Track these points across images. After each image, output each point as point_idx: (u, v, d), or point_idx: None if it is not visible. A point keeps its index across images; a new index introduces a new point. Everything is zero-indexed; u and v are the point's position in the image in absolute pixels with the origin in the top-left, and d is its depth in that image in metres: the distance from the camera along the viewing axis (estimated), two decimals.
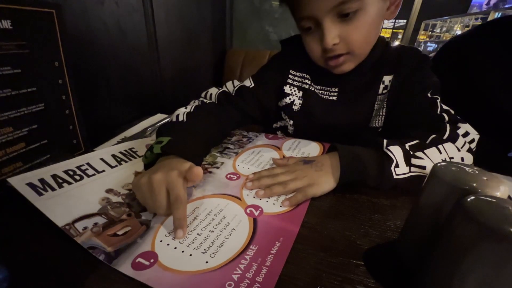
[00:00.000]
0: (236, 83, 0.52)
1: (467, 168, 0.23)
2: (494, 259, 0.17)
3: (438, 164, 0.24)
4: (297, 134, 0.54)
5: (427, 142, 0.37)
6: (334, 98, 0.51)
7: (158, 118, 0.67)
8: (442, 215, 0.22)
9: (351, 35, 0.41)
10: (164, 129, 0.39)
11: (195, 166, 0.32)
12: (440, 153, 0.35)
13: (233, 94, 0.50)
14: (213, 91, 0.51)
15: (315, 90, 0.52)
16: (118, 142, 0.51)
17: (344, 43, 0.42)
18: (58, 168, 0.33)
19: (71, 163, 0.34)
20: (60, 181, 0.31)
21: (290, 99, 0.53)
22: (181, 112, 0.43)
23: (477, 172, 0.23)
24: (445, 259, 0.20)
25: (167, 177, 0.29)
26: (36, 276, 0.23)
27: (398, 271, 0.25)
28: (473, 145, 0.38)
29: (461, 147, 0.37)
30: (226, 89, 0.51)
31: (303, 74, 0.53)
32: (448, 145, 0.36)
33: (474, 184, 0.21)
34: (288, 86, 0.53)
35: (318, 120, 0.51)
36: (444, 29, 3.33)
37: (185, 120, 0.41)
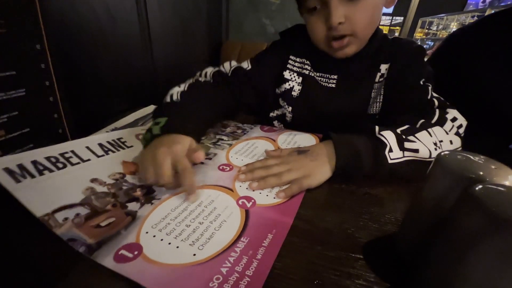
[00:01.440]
0: (234, 63, 0.52)
1: (472, 157, 0.22)
2: (505, 252, 0.16)
3: (443, 153, 0.23)
4: (295, 122, 0.54)
5: (417, 126, 0.37)
6: (333, 85, 0.51)
7: (151, 109, 0.64)
8: (446, 206, 0.21)
9: (356, 15, 0.42)
10: (160, 111, 0.39)
11: (196, 146, 0.34)
12: (431, 136, 0.36)
13: (229, 75, 0.50)
14: (209, 70, 0.50)
15: (315, 76, 0.52)
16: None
17: (349, 24, 0.42)
18: (39, 154, 0.31)
19: (54, 150, 0.32)
20: (41, 168, 0.29)
21: (289, 84, 0.53)
22: (175, 92, 0.43)
23: (483, 160, 0.22)
24: (449, 251, 0.19)
25: (172, 150, 0.31)
26: (13, 268, 0.22)
27: (398, 265, 0.24)
28: (461, 130, 0.39)
29: (449, 131, 0.38)
30: (222, 69, 0.51)
31: (303, 60, 0.52)
32: (437, 129, 0.37)
33: (481, 173, 0.20)
34: (287, 71, 0.53)
35: (317, 107, 0.51)
36: (440, 26, 3.34)
37: (179, 99, 0.41)
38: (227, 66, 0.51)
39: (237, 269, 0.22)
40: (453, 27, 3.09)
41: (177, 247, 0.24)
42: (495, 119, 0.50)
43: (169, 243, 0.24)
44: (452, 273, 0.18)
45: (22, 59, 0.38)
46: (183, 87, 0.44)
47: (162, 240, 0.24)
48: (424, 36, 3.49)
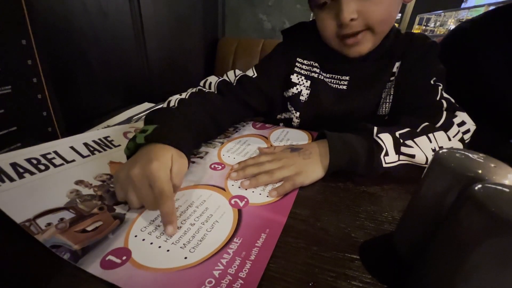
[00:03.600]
0: (238, 72, 0.49)
1: (471, 155, 0.22)
2: (505, 253, 0.15)
3: (441, 151, 0.23)
4: (303, 127, 0.52)
5: (418, 130, 0.36)
6: (344, 87, 0.49)
7: (145, 107, 0.63)
8: (445, 205, 0.21)
9: (370, 10, 0.39)
10: (152, 116, 0.36)
11: (179, 163, 0.30)
12: (430, 142, 0.35)
13: (234, 84, 0.47)
14: (213, 79, 0.47)
15: (324, 78, 0.50)
16: None
17: (362, 19, 0.39)
18: (19, 155, 0.29)
19: (35, 151, 0.30)
20: (21, 170, 0.28)
21: (297, 89, 0.50)
22: (174, 99, 0.40)
23: (483, 158, 0.21)
24: (448, 252, 0.18)
25: (146, 171, 0.26)
26: None
27: (396, 266, 0.24)
28: (467, 136, 0.38)
29: (453, 137, 0.36)
30: (226, 78, 0.48)
31: (311, 62, 0.50)
32: (439, 134, 0.36)
33: (480, 171, 0.20)
34: (295, 75, 0.50)
35: (327, 110, 0.49)
36: (438, 23, 3.34)
37: (176, 106, 0.38)
38: (232, 76, 0.48)
39: (230, 271, 0.21)
40: (451, 23, 3.09)
41: (168, 250, 0.23)
42: (498, 113, 0.50)
43: (159, 247, 0.23)
44: (451, 273, 0.18)
45: (7, 55, 0.36)
46: (184, 95, 0.42)
47: (151, 243, 0.23)
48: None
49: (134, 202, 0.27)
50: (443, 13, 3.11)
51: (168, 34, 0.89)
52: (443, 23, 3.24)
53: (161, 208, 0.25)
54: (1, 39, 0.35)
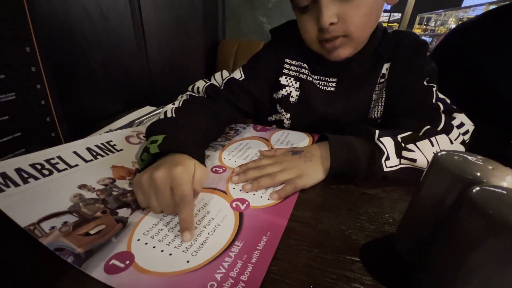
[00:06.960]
0: (225, 74, 0.49)
1: (470, 157, 0.22)
2: (503, 255, 0.15)
3: (440, 153, 0.23)
4: (294, 128, 0.52)
5: (420, 134, 0.36)
6: (333, 88, 0.49)
7: (146, 110, 0.64)
8: (444, 207, 0.21)
9: (350, 15, 0.38)
10: (154, 128, 0.36)
11: (200, 171, 0.30)
12: (432, 145, 0.34)
13: (222, 88, 0.47)
14: (200, 84, 0.47)
15: (313, 80, 0.49)
16: None
17: (342, 24, 0.39)
18: (23, 161, 0.29)
19: (39, 156, 0.31)
20: (26, 176, 0.28)
21: (286, 90, 0.50)
22: (169, 108, 0.40)
23: (481, 161, 0.21)
24: (448, 254, 0.18)
25: (171, 173, 0.27)
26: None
27: (397, 267, 0.24)
28: (466, 137, 0.38)
29: (455, 139, 0.36)
30: (214, 82, 0.48)
31: (300, 63, 0.50)
32: (441, 137, 0.35)
33: (478, 174, 0.20)
34: (284, 76, 0.50)
35: (316, 112, 0.49)
36: (438, 22, 3.33)
37: (174, 115, 0.38)
38: (219, 78, 0.48)
39: (231, 274, 0.21)
40: (451, 23, 3.08)
41: (170, 254, 0.23)
42: (498, 113, 0.49)
43: (162, 251, 0.23)
44: (450, 276, 0.18)
45: (12, 62, 0.37)
46: (177, 103, 0.42)
47: (154, 247, 0.24)
48: (422, 32, 3.48)
49: (156, 208, 0.27)
50: (443, 12, 3.11)
51: (169, 37, 0.90)
52: (444, 22, 3.23)
53: (180, 214, 0.25)
54: (5, 47, 0.35)
